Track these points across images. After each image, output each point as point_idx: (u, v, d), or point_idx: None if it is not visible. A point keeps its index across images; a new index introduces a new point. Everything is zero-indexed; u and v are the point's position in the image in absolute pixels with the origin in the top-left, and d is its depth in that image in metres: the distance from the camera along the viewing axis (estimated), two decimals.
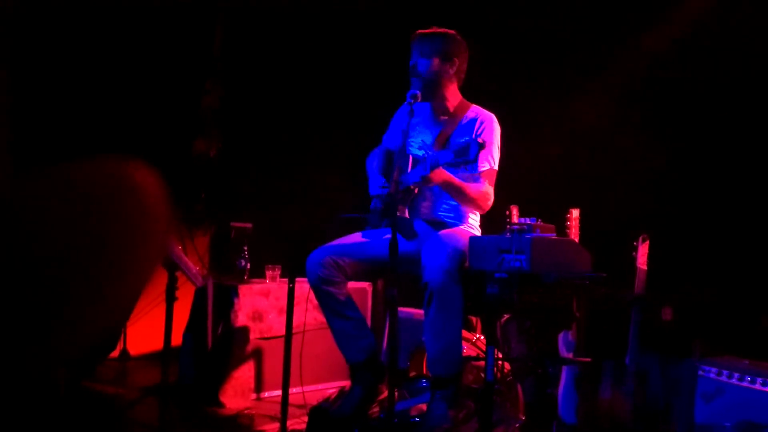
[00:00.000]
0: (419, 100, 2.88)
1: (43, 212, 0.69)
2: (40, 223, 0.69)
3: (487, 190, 3.00)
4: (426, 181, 2.78)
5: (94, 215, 0.71)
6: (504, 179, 3.12)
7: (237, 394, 3.62)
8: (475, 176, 2.99)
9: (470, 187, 2.95)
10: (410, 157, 2.95)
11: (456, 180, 2.89)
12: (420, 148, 3.13)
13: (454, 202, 3.06)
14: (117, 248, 0.72)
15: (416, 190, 2.96)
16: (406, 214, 2.92)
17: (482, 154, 2.55)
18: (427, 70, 3.04)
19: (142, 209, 0.75)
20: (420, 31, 3.11)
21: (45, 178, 0.72)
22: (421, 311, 2.80)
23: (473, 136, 3.01)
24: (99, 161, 0.74)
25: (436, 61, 3.05)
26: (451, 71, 3.09)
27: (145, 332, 4.42)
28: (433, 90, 3.08)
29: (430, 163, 2.70)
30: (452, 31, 3.11)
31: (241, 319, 3.70)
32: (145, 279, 0.77)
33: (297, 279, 3.00)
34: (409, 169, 2.91)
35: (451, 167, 2.65)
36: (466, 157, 2.50)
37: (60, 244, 0.69)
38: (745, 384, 2.69)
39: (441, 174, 2.81)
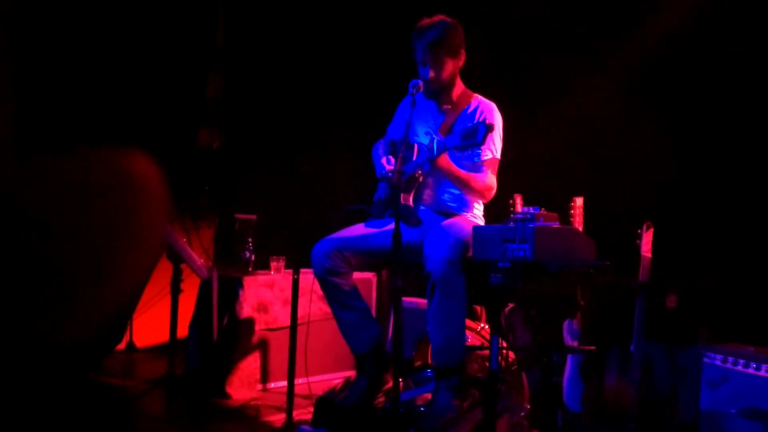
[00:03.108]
0: (421, 89, 2.87)
1: (45, 203, 0.70)
2: (42, 213, 0.69)
3: (490, 182, 3.00)
4: (431, 163, 2.77)
5: (94, 205, 0.71)
6: (508, 168, 3.11)
7: (243, 385, 3.64)
8: (477, 165, 2.98)
9: (474, 179, 2.94)
10: (415, 145, 2.93)
11: (461, 172, 2.88)
12: (426, 134, 3.12)
13: (457, 191, 3.05)
14: (117, 236, 0.73)
15: (420, 178, 2.96)
16: (410, 202, 2.91)
17: (486, 140, 2.54)
18: (443, 76, 3.00)
19: (140, 198, 0.75)
20: (420, 25, 3.01)
21: (46, 170, 0.72)
22: (426, 301, 2.81)
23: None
24: (98, 152, 0.74)
25: (449, 64, 3.02)
26: (460, 64, 3.08)
27: (151, 324, 4.45)
28: (448, 89, 3.08)
29: (438, 146, 2.69)
30: (439, 18, 3.01)
31: (246, 310, 3.71)
32: (147, 267, 0.77)
33: (302, 270, 3.01)
34: (414, 158, 2.90)
35: (458, 150, 2.64)
36: (474, 139, 2.49)
37: (61, 234, 0.69)
38: (750, 371, 2.69)
39: (446, 162, 2.80)
